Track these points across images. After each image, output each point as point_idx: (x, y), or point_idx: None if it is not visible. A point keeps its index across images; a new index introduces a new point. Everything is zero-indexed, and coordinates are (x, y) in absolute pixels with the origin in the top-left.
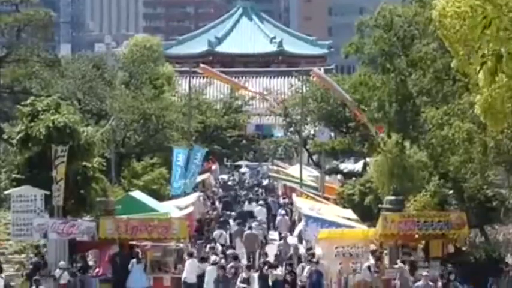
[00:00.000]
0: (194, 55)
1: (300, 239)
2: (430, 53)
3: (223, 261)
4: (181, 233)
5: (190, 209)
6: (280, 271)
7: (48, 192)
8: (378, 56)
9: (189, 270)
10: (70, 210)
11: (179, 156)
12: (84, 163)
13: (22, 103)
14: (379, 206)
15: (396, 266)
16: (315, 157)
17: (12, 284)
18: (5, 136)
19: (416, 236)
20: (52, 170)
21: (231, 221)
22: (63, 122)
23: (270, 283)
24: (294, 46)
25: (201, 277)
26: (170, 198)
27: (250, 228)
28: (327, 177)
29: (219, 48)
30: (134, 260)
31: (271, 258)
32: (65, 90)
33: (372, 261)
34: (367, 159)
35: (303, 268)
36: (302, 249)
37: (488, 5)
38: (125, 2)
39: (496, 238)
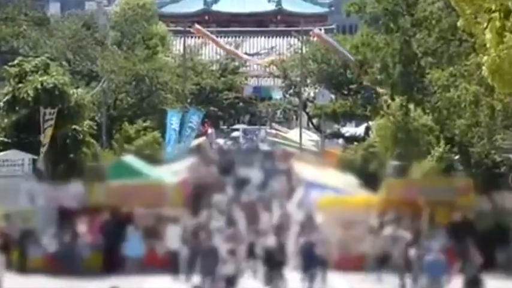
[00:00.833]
0: (189, 14)
1: (300, 206)
2: (436, 12)
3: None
4: (175, 199)
5: (185, 174)
6: (272, 241)
7: (36, 157)
8: (381, 15)
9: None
10: (59, 176)
11: (173, 119)
12: (74, 126)
13: (9, 64)
14: (383, 171)
15: (399, 235)
16: (315, 121)
17: None
18: None
19: (421, 203)
20: (40, 133)
21: (228, 188)
22: (52, 83)
23: (260, 253)
24: (293, 5)
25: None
26: (164, 163)
27: (248, 194)
28: (327, 142)
29: (215, 7)
30: (132, 227)
31: (267, 228)
32: (54, 51)
33: (390, 230)
34: (370, 123)
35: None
36: (301, 218)
37: None
38: None
39: (504, 205)
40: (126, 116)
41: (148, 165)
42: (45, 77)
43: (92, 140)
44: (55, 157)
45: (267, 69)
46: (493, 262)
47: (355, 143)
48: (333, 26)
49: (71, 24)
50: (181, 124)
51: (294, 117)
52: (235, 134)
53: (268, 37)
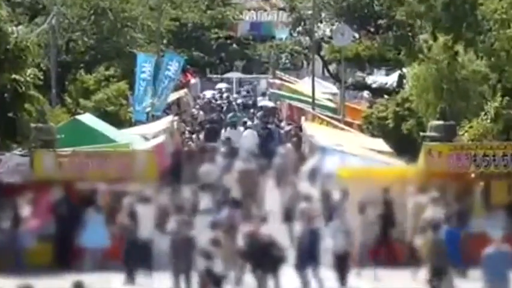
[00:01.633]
0: None
1: (312, 181)
2: None
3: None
4: (148, 172)
5: (161, 138)
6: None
7: None
8: None
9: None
10: None
11: (145, 66)
12: (13, 76)
13: None
14: (422, 134)
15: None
16: (332, 67)
17: None
18: None
19: (473, 175)
20: None
21: (217, 157)
22: None
23: (252, 248)
24: None
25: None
26: (133, 124)
27: (245, 161)
28: (348, 95)
29: None
30: (92, 209)
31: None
32: None
33: (431, 212)
34: (404, 70)
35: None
36: (314, 196)
37: None
38: None
39: None
40: (82, 62)
41: (112, 126)
42: None
43: (38, 94)
44: None
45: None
46: None
47: (385, 97)
48: None
49: None
50: (156, 72)
51: (305, 62)
52: (226, 85)
53: None
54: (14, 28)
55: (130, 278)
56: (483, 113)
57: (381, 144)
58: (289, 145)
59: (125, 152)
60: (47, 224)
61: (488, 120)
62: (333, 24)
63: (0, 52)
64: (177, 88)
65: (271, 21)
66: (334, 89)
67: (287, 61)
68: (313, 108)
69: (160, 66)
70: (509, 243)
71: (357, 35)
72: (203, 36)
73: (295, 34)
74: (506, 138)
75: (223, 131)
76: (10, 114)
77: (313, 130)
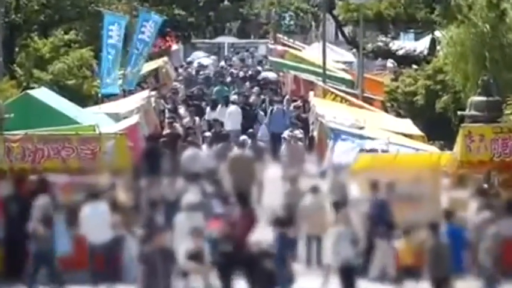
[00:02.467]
0: None
1: (323, 169)
2: None
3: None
4: (118, 159)
5: (134, 118)
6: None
7: None
8: None
9: (93, 224)
10: None
11: (113, 28)
12: None
13: None
14: (459, 113)
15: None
16: (347, 30)
17: None
18: None
19: None
20: None
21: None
22: None
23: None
24: None
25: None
26: (99, 101)
27: (241, 146)
28: (368, 64)
29: None
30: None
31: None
32: None
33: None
34: (439, 34)
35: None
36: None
37: None
38: None
39: None
40: (36, 24)
41: (73, 103)
42: None
43: None
44: None
45: None
46: None
47: (414, 67)
48: None
49: None
50: (127, 36)
51: (313, 24)
52: (200, 59)
53: None
54: None
55: None
56: None
57: (408, 125)
58: (294, 126)
59: (90, 136)
60: None
61: None
62: None
63: None
64: (154, 56)
65: None
66: (350, 57)
67: (291, 22)
68: (324, 81)
69: (134, 28)
70: None
71: None
72: None
73: None
74: None
75: (208, 109)
76: None
77: (324, 108)
